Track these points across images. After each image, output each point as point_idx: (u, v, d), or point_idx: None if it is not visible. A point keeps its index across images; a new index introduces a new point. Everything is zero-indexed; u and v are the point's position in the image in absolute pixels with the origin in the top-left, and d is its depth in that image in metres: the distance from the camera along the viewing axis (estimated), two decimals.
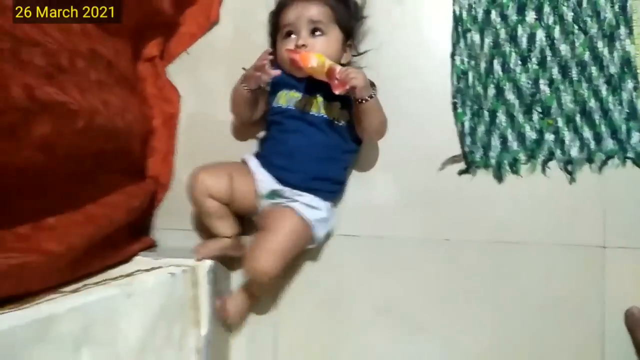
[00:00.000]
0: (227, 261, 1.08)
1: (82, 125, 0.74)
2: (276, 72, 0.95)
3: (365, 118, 0.98)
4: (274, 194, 1.00)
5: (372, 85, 0.98)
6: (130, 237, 1.05)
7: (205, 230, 1.10)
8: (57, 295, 0.70)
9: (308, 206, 0.99)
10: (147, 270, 0.92)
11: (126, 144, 0.99)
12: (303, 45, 0.97)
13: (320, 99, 1.00)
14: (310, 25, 0.99)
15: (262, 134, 1.09)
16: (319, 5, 1.01)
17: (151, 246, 1.12)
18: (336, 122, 1.01)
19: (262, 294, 1.08)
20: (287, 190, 0.99)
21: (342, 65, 0.96)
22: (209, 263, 1.00)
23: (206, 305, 1.00)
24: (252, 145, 1.11)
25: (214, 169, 1.00)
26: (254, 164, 1.02)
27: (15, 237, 0.67)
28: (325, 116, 1.00)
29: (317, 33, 1.00)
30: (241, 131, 1.15)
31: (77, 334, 0.66)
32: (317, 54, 0.92)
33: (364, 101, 0.94)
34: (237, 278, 1.10)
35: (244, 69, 1.02)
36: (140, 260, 1.00)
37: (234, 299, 1.05)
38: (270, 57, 0.95)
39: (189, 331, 0.98)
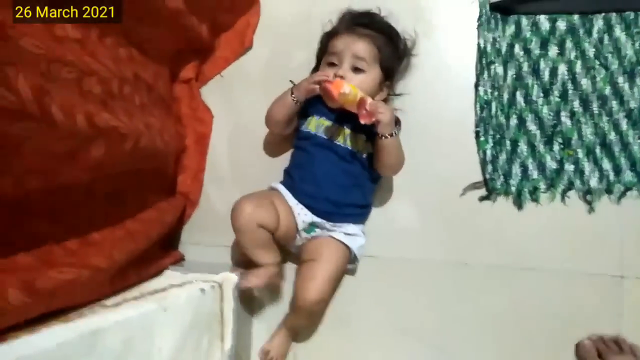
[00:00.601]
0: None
1: (130, 148, 0.79)
2: (301, 95, 1.00)
3: (383, 153, 1.02)
4: (313, 226, 1.04)
5: (398, 123, 1.02)
6: (161, 251, 1.09)
7: (235, 249, 1.14)
8: (101, 308, 0.74)
9: (347, 235, 1.04)
10: (179, 286, 0.96)
11: (163, 163, 1.04)
12: (341, 77, 1.00)
13: (347, 130, 1.03)
14: (354, 61, 1.02)
15: (288, 165, 1.12)
16: (368, 43, 1.03)
17: (180, 260, 1.16)
18: (359, 154, 1.04)
19: (309, 325, 1.11)
20: (326, 223, 1.03)
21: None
22: (234, 280, 1.03)
23: (230, 320, 1.04)
24: (280, 166, 1.15)
25: (256, 197, 1.00)
26: (290, 198, 1.04)
27: (65, 252, 0.71)
28: (350, 148, 1.04)
29: (358, 70, 1.02)
30: (270, 151, 1.19)
31: (118, 348, 0.70)
32: (351, 84, 0.96)
33: (384, 137, 0.98)
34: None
35: (292, 82, 1.06)
36: (171, 275, 1.04)
37: (274, 341, 1.08)
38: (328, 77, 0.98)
39: (215, 344, 1.01)
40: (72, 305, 0.70)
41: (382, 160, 1.03)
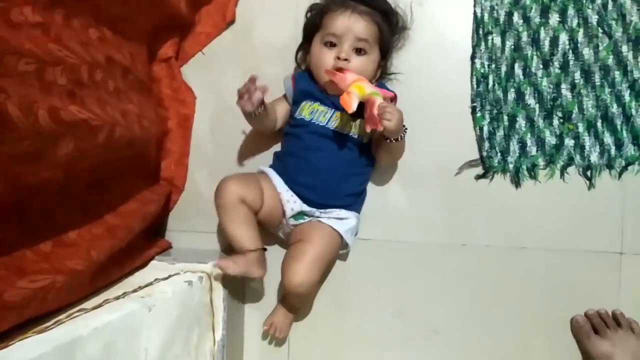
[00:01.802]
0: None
1: (103, 139, 0.73)
2: (258, 99, 0.91)
3: (386, 153, 1.00)
4: (301, 214, 1.00)
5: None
6: (146, 240, 1.05)
7: (222, 235, 1.11)
8: (79, 312, 0.70)
9: (337, 219, 1.00)
10: (164, 279, 0.92)
11: (143, 150, 0.98)
12: (345, 60, 0.95)
13: (346, 115, 0.98)
14: (356, 43, 0.96)
15: (279, 145, 1.08)
16: (369, 22, 0.98)
17: (167, 248, 1.12)
18: (358, 138, 1.00)
19: (301, 305, 1.09)
20: (315, 211, 1.00)
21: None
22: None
23: (221, 309, 1.01)
24: (267, 147, 1.10)
25: (243, 177, 0.98)
26: (279, 182, 1.00)
27: (37, 256, 0.67)
28: (351, 134, 0.99)
29: (360, 51, 0.97)
30: (258, 135, 1.13)
31: (100, 354, 0.66)
32: (356, 85, 0.90)
33: (390, 140, 0.94)
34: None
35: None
36: (157, 266, 1.01)
37: (276, 315, 1.06)
38: (254, 86, 0.91)
39: (205, 336, 0.99)
40: (47, 311, 0.66)
41: (384, 157, 1.03)
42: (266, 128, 1.04)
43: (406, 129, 0.96)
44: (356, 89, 0.90)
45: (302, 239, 0.99)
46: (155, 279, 0.89)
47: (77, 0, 0.77)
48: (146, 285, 0.86)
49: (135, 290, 0.82)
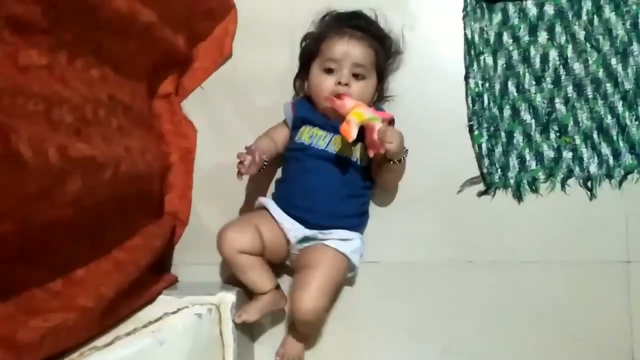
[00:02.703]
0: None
1: (109, 176, 0.74)
2: (258, 165, 0.93)
3: (387, 174, 1.01)
4: (305, 240, 1.00)
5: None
6: (153, 276, 1.05)
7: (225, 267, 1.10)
8: (91, 351, 0.70)
9: (341, 240, 0.99)
10: (174, 313, 0.91)
11: (147, 185, 0.99)
12: (345, 85, 0.97)
13: (343, 138, 0.98)
14: (354, 68, 0.98)
15: (279, 174, 1.09)
16: (366, 47, 1.00)
17: (173, 283, 1.11)
18: (358, 162, 1.01)
19: (311, 332, 1.08)
20: (318, 233, 0.99)
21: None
22: (232, 299, 0.99)
23: (231, 341, 1.00)
24: (269, 176, 1.11)
25: (238, 224, 0.99)
26: (277, 212, 1.00)
27: (48, 295, 0.66)
28: (349, 157, 1.00)
29: (358, 76, 0.99)
30: None
31: None
32: (354, 112, 0.91)
33: (393, 162, 0.95)
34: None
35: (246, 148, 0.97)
36: (165, 300, 0.99)
37: (287, 345, 1.06)
38: (244, 158, 0.93)
39: None
40: (59, 351, 0.66)
41: (385, 179, 1.04)
42: (275, 157, 1.06)
43: (407, 150, 0.97)
44: (355, 116, 0.91)
45: (307, 265, 0.98)
46: (165, 313, 0.89)
47: (79, 42, 0.79)
48: (156, 320, 0.85)
49: (145, 326, 0.82)
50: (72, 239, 0.73)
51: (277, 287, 1.01)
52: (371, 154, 0.92)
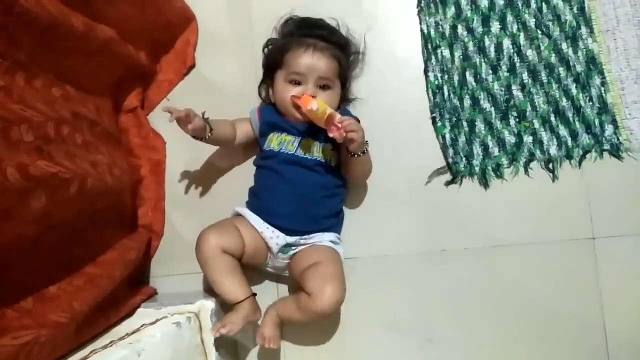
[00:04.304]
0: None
1: (75, 192, 0.74)
2: (195, 125, 0.95)
3: (354, 168, 1.02)
4: (288, 247, 1.02)
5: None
6: (131, 289, 1.05)
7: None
8: None
9: (327, 241, 1.03)
10: (152, 324, 0.92)
11: (117, 199, 0.99)
12: (312, 97, 0.98)
13: (313, 142, 1.01)
14: (320, 81, 1.00)
15: (251, 183, 1.09)
16: (330, 59, 1.01)
17: (152, 295, 1.12)
18: (328, 163, 1.02)
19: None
20: (299, 239, 1.01)
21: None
22: (211, 306, 1.00)
23: (213, 349, 1.00)
24: (241, 183, 1.12)
25: (220, 225, 0.99)
26: (256, 221, 1.01)
27: (19, 314, 0.67)
28: (319, 159, 1.02)
29: (324, 88, 1.01)
30: (232, 173, 1.17)
31: None
32: (319, 101, 0.93)
33: (357, 155, 0.97)
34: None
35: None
36: (144, 313, 1.00)
37: (266, 328, 1.00)
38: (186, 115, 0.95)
39: None
40: None
41: (354, 174, 1.05)
42: (225, 144, 1.08)
43: (367, 142, 0.99)
44: (318, 103, 0.93)
45: (315, 260, 0.98)
46: (143, 325, 0.89)
47: (35, 62, 0.80)
48: (133, 332, 0.86)
49: (122, 338, 0.82)
50: (41, 256, 0.74)
51: (254, 295, 0.99)
52: (331, 134, 0.92)
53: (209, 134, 0.99)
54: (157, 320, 0.93)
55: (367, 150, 0.98)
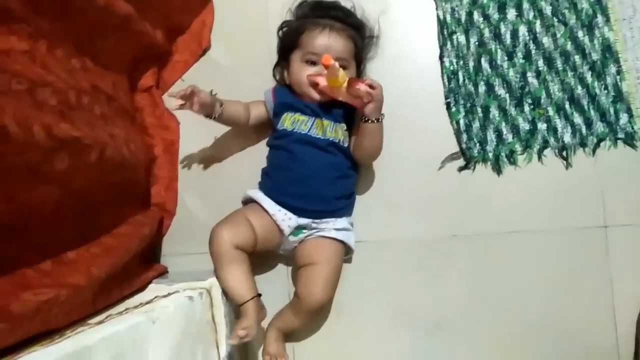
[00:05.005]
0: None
1: (95, 158, 0.75)
2: (201, 100, 0.95)
3: (366, 138, 1.00)
4: (300, 229, 1.02)
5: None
6: (143, 265, 1.06)
7: None
8: (85, 327, 0.71)
9: (336, 230, 1.03)
10: (165, 296, 0.92)
11: (133, 174, 1.00)
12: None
13: (326, 121, 1.02)
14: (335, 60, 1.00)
15: (264, 163, 1.10)
16: (346, 39, 1.02)
17: (163, 273, 1.12)
18: (341, 143, 1.03)
19: (302, 327, 1.08)
20: (311, 222, 1.02)
21: None
22: None
23: (223, 325, 1.01)
24: (253, 164, 1.12)
25: (231, 220, 1.00)
26: (268, 204, 1.01)
27: (39, 274, 0.67)
28: (332, 139, 1.02)
29: (341, 68, 1.01)
30: (244, 153, 1.17)
31: None
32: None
33: (371, 121, 0.97)
34: None
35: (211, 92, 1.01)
36: (156, 288, 1.00)
37: (270, 346, 1.05)
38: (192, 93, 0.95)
39: (210, 353, 0.98)
40: (53, 327, 0.67)
41: (364, 146, 1.02)
42: (237, 123, 1.07)
43: (383, 114, 0.99)
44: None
45: (310, 261, 1.00)
46: (156, 296, 0.90)
47: (57, 31, 0.81)
48: (147, 302, 0.87)
49: (137, 307, 0.83)
50: (61, 222, 0.74)
51: (259, 295, 1.00)
52: (359, 85, 0.92)
53: (219, 110, 0.99)
54: (169, 294, 0.93)
55: (382, 119, 0.98)
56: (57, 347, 0.61)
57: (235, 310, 1.02)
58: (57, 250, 0.73)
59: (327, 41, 1.00)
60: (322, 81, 0.96)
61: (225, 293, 1.00)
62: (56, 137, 0.63)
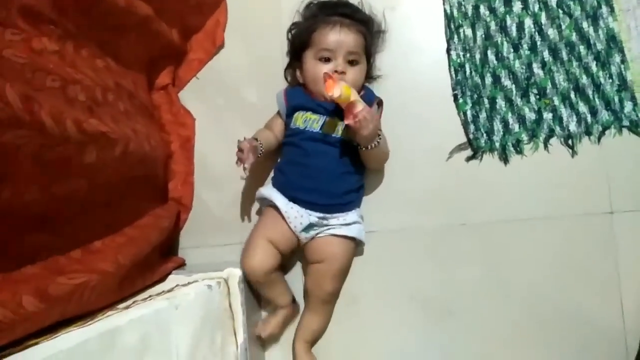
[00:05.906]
0: (256, 299, 1.14)
1: (119, 152, 0.79)
2: (252, 160, 1.00)
3: (365, 159, 1.07)
4: (310, 226, 1.05)
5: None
6: (163, 257, 1.10)
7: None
8: (114, 311, 0.75)
9: (345, 225, 1.06)
10: (185, 285, 0.96)
11: (152, 169, 1.04)
12: (342, 72, 1.02)
13: (338, 121, 1.04)
14: (348, 55, 1.03)
15: (280, 161, 1.13)
16: (357, 35, 1.05)
17: (182, 265, 1.16)
18: (350, 142, 1.05)
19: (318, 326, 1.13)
20: (322, 220, 1.05)
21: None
22: (239, 274, 1.04)
23: (240, 313, 1.04)
24: (267, 163, 1.15)
25: (254, 248, 1.04)
26: (281, 202, 1.05)
27: (70, 261, 0.72)
28: (341, 137, 1.05)
29: (352, 63, 1.05)
30: None
31: (137, 345, 0.70)
32: (344, 86, 0.94)
33: (364, 148, 1.01)
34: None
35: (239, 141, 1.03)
36: (176, 278, 1.04)
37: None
38: (243, 146, 0.99)
39: (228, 339, 1.02)
40: (86, 310, 0.71)
41: (369, 163, 1.09)
42: (273, 148, 1.12)
43: (380, 137, 1.01)
44: (342, 88, 0.96)
45: (320, 258, 1.05)
46: (177, 285, 0.94)
47: (82, 33, 0.85)
48: (169, 290, 0.91)
49: (159, 294, 0.87)
50: (89, 212, 0.79)
51: (294, 300, 1.11)
52: (346, 121, 0.95)
53: (261, 148, 1.04)
54: (189, 283, 0.97)
55: (376, 145, 1.00)
56: (90, 327, 0.65)
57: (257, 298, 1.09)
58: (85, 240, 0.77)
59: (338, 37, 1.03)
60: (327, 91, 0.96)
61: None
62: (86, 132, 0.67)
